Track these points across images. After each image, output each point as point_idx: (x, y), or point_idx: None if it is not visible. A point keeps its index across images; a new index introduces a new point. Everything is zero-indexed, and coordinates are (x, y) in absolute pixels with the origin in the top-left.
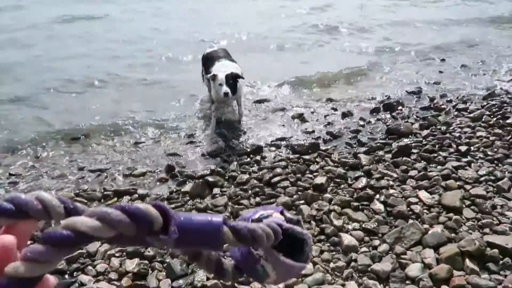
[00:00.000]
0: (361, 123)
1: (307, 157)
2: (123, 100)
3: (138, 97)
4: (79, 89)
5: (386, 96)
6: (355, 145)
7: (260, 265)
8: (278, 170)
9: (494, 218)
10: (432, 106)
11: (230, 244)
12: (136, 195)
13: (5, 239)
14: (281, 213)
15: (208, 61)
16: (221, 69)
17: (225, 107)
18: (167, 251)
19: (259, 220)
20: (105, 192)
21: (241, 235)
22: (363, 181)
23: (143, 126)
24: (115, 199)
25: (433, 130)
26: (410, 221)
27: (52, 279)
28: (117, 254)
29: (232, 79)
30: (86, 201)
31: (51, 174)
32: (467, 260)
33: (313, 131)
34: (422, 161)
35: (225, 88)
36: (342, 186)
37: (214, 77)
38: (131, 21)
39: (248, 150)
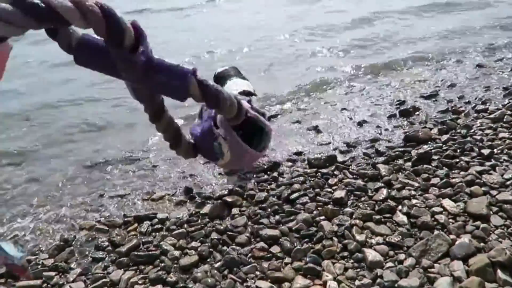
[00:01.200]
0: (378, 131)
1: (324, 170)
2: (137, 123)
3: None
4: (94, 118)
5: (401, 101)
6: (373, 155)
7: (217, 142)
8: (296, 186)
9: None
10: (450, 109)
11: (195, 97)
12: (156, 220)
13: None
14: (249, 102)
15: (219, 80)
16: (233, 87)
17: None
18: (134, 87)
19: None
20: (126, 218)
21: (207, 91)
22: (383, 193)
23: (159, 149)
24: (136, 224)
25: (453, 134)
26: (436, 232)
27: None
28: (140, 282)
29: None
30: (107, 228)
31: (72, 202)
32: (499, 271)
33: (329, 143)
34: (444, 167)
35: None
36: (363, 198)
37: None
38: None
39: (265, 167)
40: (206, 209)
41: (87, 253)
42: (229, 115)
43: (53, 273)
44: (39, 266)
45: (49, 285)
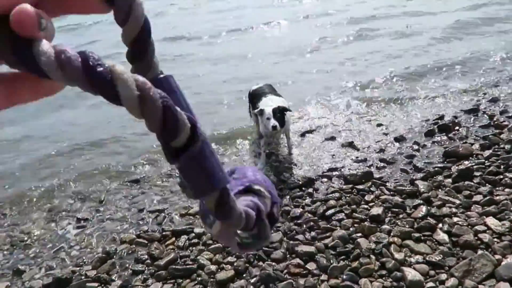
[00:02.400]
0: (416, 147)
1: (361, 186)
2: None
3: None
4: (131, 134)
5: (440, 115)
6: (411, 171)
7: (212, 214)
8: (332, 202)
9: None
10: (492, 123)
11: (207, 203)
12: (193, 234)
13: None
14: (273, 204)
15: (254, 97)
16: (268, 103)
17: (274, 141)
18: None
19: (253, 191)
20: (164, 233)
21: (220, 208)
22: (423, 210)
23: None
24: (173, 238)
25: (496, 149)
26: (480, 251)
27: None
28: None
29: (280, 112)
30: (146, 242)
31: (114, 216)
32: None
33: (365, 159)
34: (487, 184)
35: (273, 122)
36: (401, 216)
37: (262, 111)
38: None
39: (300, 182)
40: None
41: (127, 265)
42: (235, 227)
43: (95, 284)
44: (83, 277)
45: None
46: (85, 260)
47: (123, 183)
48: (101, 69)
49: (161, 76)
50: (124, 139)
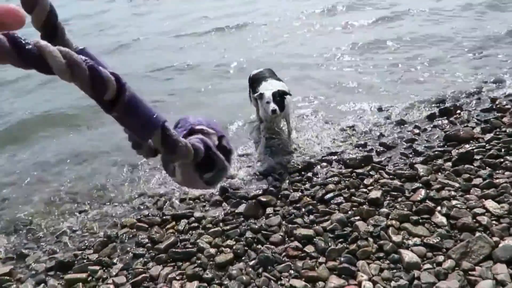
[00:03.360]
0: (416, 131)
1: (360, 170)
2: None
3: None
4: None
5: (441, 99)
6: (411, 155)
7: (172, 165)
8: (331, 186)
9: None
10: (494, 107)
11: (154, 142)
12: (193, 218)
13: None
14: (220, 137)
15: (254, 82)
16: (268, 87)
17: (274, 126)
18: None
19: (196, 131)
20: (164, 217)
21: (167, 143)
22: (422, 193)
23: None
24: (173, 222)
25: (498, 133)
26: (477, 234)
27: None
28: (177, 277)
29: (279, 96)
30: (147, 226)
31: (115, 201)
32: None
33: (365, 143)
34: (487, 167)
35: (273, 105)
36: (399, 199)
37: (261, 95)
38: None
39: (299, 167)
40: (241, 208)
41: (128, 249)
42: (185, 160)
43: (97, 267)
44: (85, 260)
45: (94, 279)
46: (87, 244)
47: (123, 167)
48: (29, 46)
49: (78, 49)
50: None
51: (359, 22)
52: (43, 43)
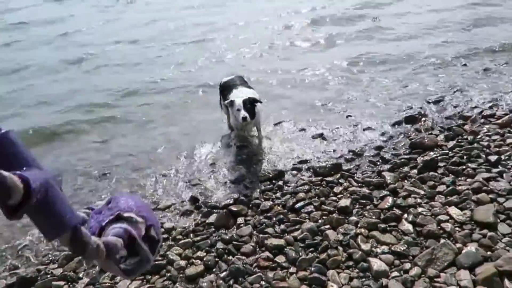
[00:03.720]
0: (383, 138)
1: (330, 178)
2: (144, 134)
3: (158, 130)
4: (98, 126)
5: (407, 107)
6: (378, 163)
7: (95, 244)
8: (301, 194)
9: None
10: (456, 114)
11: (62, 243)
12: (163, 229)
13: None
14: (149, 227)
15: (225, 89)
16: (238, 94)
17: (245, 133)
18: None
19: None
20: None
21: (75, 245)
22: (389, 201)
23: (165, 158)
24: None
25: (460, 140)
26: (442, 240)
27: None
28: None
29: (250, 104)
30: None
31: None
32: (506, 281)
33: (335, 151)
34: (450, 174)
35: (243, 113)
36: (368, 207)
37: (232, 102)
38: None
39: (270, 175)
40: (212, 218)
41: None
42: (98, 259)
43: (62, 283)
44: (49, 276)
45: None
46: (51, 258)
47: (90, 176)
48: None
49: (2, 131)
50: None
51: (339, 37)
52: None
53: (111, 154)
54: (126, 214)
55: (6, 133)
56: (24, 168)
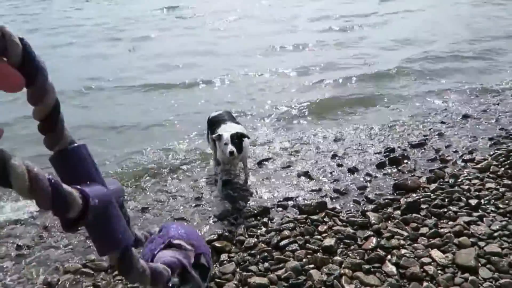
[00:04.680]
0: (368, 178)
1: (315, 217)
2: (131, 167)
3: (144, 162)
4: None
5: (390, 148)
6: (363, 202)
7: (142, 270)
8: (286, 232)
9: None
10: (438, 157)
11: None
12: None
13: None
14: (198, 255)
15: (213, 123)
16: (226, 129)
17: (231, 169)
18: None
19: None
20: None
21: (122, 265)
22: (373, 241)
23: (149, 191)
24: None
25: (441, 183)
26: (425, 283)
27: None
28: None
29: (237, 139)
30: (93, 272)
31: (58, 244)
32: None
33: (320, 189)
34: (433, 217)
35: (231, 147)
36: (352, 247)
37: (220, 137)
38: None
39: (255, 212)
40: None
41: None
42: (142, 283)
43: None
44: None
45: None
46: None
47: None
48: None
49: (73, 146)
50: None
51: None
52: (15, 163)
53: None
54: (176, 241)
55: (78, 147)
56: (88, 183)
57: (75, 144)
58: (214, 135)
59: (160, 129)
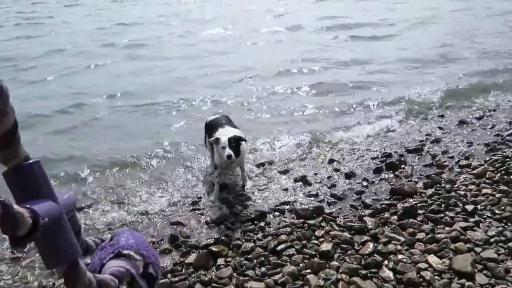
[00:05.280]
0: (365, 183)
1: (312, 221)
2: (127, 169)
3: (142, 166)
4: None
5: (387, 154)
6: (360, 207)
7: (88, 280)
8: (283, 237)
9: (509, 284)
10: (434, 163)
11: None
12: None
13: None
14: (147, 264)
15: (211, 127)
16: (224, 133)
17: (229, 172)
18: None
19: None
20: None
21: (68, 278)
22: (370, 246)
23: (145, 194)
24: None
25: (438, 188)
26: None
27: None
28: None
29: (235, 142)
30: None
31: None
32: None
33: (317, 194)
34: (429, 222)
35: (228, 151)
36: (349, 252)
37: (217, 140)
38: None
39: (252, 216)
40: (191, 258)
41: None
42: None
43: None
44: None
45: None
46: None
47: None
48: None
49: (27, 162)
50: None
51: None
52: None
53: (91, 188)
54: (125, 251)
55: (31, 164)
56: (40, 199)
57: (30, 161)
58: (211, 139)
59: (161, 131)
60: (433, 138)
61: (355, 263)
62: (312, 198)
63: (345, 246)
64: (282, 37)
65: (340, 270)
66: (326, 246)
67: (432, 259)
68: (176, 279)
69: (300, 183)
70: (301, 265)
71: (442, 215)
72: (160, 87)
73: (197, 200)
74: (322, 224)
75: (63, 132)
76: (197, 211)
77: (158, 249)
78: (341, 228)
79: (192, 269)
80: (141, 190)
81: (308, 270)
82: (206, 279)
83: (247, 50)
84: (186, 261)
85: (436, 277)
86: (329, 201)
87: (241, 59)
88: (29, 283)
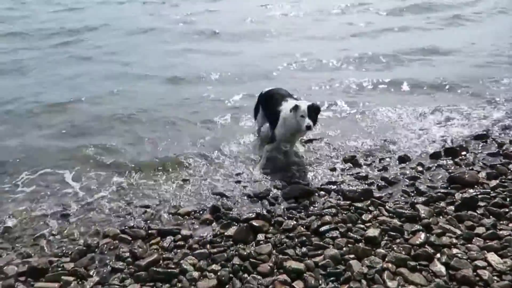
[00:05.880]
0: (420, 169)
1: (359, 204)
2: (172, 137)
3: (186, 135)
4: (127, 126)
5: (447, 139)
6: (412, 194)
7: None
8: (327, 218)
9: None
10: (501, 152)
11: None
12: (180, 236)
13: None
14: None
15: (269, 99)
16: (298, 103)
17: (287, 146)
18: None
19: None
20: (150, 231)
21: None
22: (421, 237)
23: (191, 163)
24: (158, 238)
25: (503, 180)
26: None
27: None
28: None
29: (314, 111)
30: (130, 238)
31: (101, 207)
32: None
33: (366, 176)
34: (491, 216)
35: (308, 121)
36: (398, 240)
37: (297, 107)
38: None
39: (297, 193)
40: (231, 231)
41: (107, 261)
42: None
43: (71, 278)
44: (60, 269)
45: None
46: (64, 251)
47: (114, 173)
48: None
49: None
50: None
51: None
52: None
53: (137, 153)
54: None
55: None
56: None
57: None
58: (289, 106)
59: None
60: (501, 125)
61: (403, 252)
62: (361, 180)
63: (394, 233)
64: None
65: (386, 259)
66: (373, 232)
67: (492, 257)
68: (215, 250)
69: (350, 163)
70: (344, 249)
71: (507, 210)
72: None
73: (242, 172)
74: (370, 208)
75: None
76: (240, 183)
77: (198, 219)
78: (390, 214)
79: (231, 242)
80: (184, 158)
81: (352, 255)
82: (245, 253)
83: None
84: (226, 233)
85: (495, 277)
86: (380, 184)
87: None
88: (75, 240)
